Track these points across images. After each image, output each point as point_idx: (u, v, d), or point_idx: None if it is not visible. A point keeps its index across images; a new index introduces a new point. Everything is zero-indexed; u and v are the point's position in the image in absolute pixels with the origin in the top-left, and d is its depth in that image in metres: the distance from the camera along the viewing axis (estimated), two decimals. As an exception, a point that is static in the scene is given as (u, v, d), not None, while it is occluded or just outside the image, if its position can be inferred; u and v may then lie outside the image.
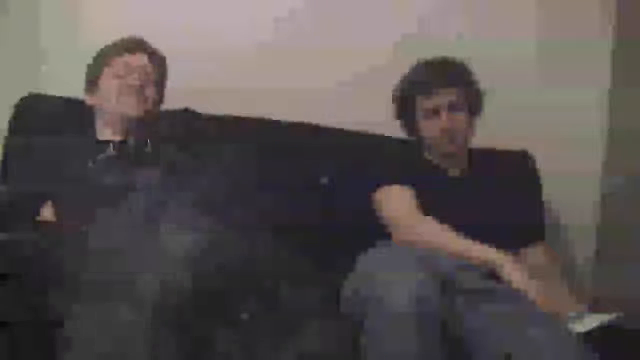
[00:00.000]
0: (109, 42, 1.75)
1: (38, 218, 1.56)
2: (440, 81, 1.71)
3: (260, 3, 2.13)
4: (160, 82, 1.76)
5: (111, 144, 1.68)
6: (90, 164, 1.64)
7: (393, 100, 1.80)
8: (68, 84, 1.79)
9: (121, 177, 1.61)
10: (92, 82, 1.73)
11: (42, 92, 1.89)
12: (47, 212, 1.56)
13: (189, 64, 1.90)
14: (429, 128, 1.72)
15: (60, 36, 2.10)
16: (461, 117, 1.71)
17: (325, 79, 2.07)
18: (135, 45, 1.74)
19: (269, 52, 2.09)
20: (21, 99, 1.82)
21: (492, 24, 2.12)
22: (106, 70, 1.71)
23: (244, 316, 1.38)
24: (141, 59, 1.72)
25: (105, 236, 1.34)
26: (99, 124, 1.73)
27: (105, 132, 1.71)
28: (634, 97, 2.07)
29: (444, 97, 1.70)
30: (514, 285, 1.45)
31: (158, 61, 1.76)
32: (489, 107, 1.80)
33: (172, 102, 1.81)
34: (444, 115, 1.69)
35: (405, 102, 1.76)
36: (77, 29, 2.09)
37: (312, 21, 2.12)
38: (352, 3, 2.14)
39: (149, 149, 1.69)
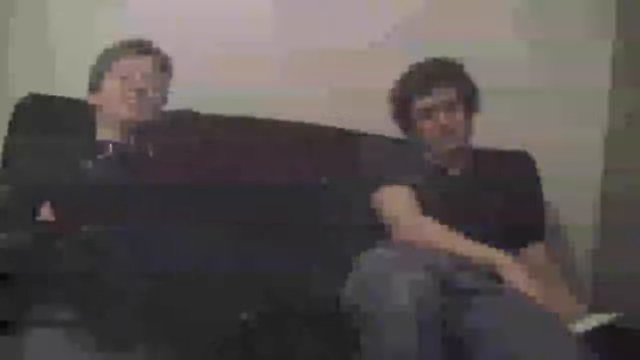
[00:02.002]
0: (116, 42, 1.75)
1: (38, 218, 1.56)
2: (434, 81, 1.71)
3: (259, 3, 2.14)
4: (164, 84, 1.76)
5: (111, 145, 1.68)
6: (89, 165, 1.64)
7: (390, 101, 1.80)
8: (75, 84, 1.79)
9: (120, 178, 1.61)
10: (96, 82, 1.73)
11: (48, 92, 1.89)
12: (47, 212, 1.56)
13: (191, 64, 1.90)
14: (425, 128, 1.73)
15: (68, 36, 2.10)
16: (458, 116, 1.71)
17: (324, 78, 2.07)
18: (141, 47, 1.73)
19: (270, 52, 2.10)
20: (21, 99, 1.82)
21: (492, 24, 2.12)
22: (111, 71, 1.71)
23: (244, 316, 1.38)
24: (146, 62, 1.71)
25: None
26: (99, 124, 1.73)
27: (106, 133, 1.71)
28: (634, 97, 2.07)
29: (439, 97, 1.70)
30: (514, 285, 1.44)
31: (163, 63, 1.75)
32: (489, 107, 1.80)
33: (173, 102, 1.81)
34: (440, 114, 1.70)
35: (401, 102, 1.77)
36: (85, 29, 2.10)
37: (309, 21, 2.12)
38: (346, 3, 2.14)
39: (149, 150, 1.69)
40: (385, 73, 1.82)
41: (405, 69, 1.79)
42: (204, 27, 2.08)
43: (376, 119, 1.87)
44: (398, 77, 1.79)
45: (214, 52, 2.05)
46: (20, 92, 1.85)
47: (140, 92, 1.67)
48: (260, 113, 1.97)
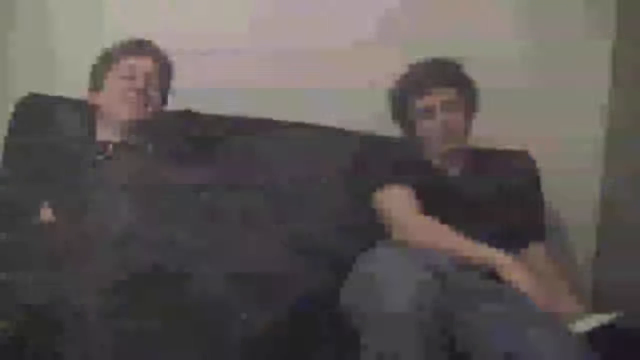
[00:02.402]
0: (116, 43, 1.75)
1: (38, 218, 1.56)
2: (433, 81, 1.71)
3: (258, 4, 2.14)
4: (164, 85, 1.76)
5: (111, 145, 1.68)
6: (89, 165, 1.64)
7: (389, 100, 1.80)
8: (75, 84, 1.79)
9: (120, 178, 1.61)
10: (96, 82, 1.73)
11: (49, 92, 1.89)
12: (46, 213, 1.56)
13: (191, 64, 1.91)
14: (425, 128, 1.73)
15: (68, 36, 2.10)
16: (457, 116, 1.71)
17: (323, 78, 2.07)
18: (141, 48, 1.74)
19: (269, 53, 2.10)
20: (21, 99, 1.82)
21: (492, 24, 2.12)
22: (112, 71, 1.71)
23: (244, 316, 1.38)
24: (147, 62, 1.71)
25: None
26: (99, 124, 1.73)
27: (106, 133, 1.71)
28: (634, 97, 2.07)
29: (437, 97, 1.70)
30: (514, 285, 1.44)
31: (163, 64, 1.76)
32: (489, 107, 1.80)
33: (173, 102, 1.81)
34: (439, 114, 1.70)
35: (401, 102, 1.77)
36: (85, 29, 2.10)
37: (308, 20, 2.12)
38: (346, 2, 2.14)
39: (150, 150, 1.69)
40: (385, 73, 1.82)
41: (405, 69, 1.79)
42: (196, 27, 2.07)
43: (376, 119, 1.88)
44: (398, 77, 1.79)
45: (204, 51, 2.04)
46: (20, 92, 1.85)
47: (142, 91, 1.67)
48: (255, 113, 1.97)
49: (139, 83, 1.68)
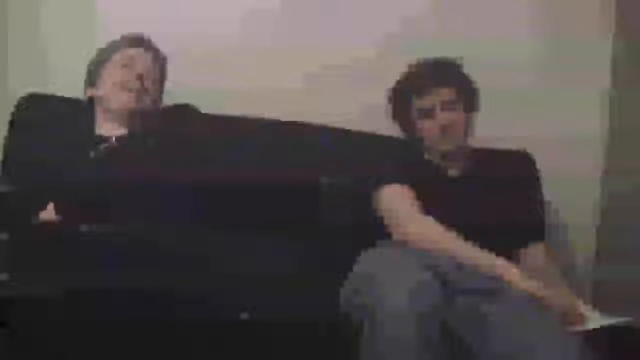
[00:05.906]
0: (116, 38, 1.76)
1: (38, 217, 1.56)
2: (433, 81, 1.71)
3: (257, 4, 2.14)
4: (160, 80, 1.77)
5: (113, 137, 1.67)
6: (92, 154, 1.63)
7: (389, 101, 1.80)
8: (68, 83, 1.79)
9: (122, 171, 1.60)
10: (94, 74, 1.74)
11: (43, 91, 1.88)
12: (47, 212, 1.56)
13: (189, 64, 1.91)
14: (425, 128, 1.73)
15: (62, 34, 2.10)
16: (457, 116, 1.71)
17: (323, 77, 2.07)
18: (138, 41, 1.75)
19: (270, 53, 2.10)
20: (21, 99, 1.82)
21: (494, 24, 2.12)
22: (111, 61, 1.72)
23: (244, 316, 1.38)
24: (146, 55, 1.74)
25: None
26: (99, 119, 1.73)
27: (106, 127, 1.71)
28: (634, 97, 2.07)
29: (437, 97, 1.70)
30: (514, 287, 1.44)
31: (159, 59, 1.77)
32: (489, 107, 1.80)
33: (171, 101, 1.82)
34: (439, 114, 1.70)
35: (401, 102, 1.77)
36: (81, 28, 2.10)
37: (308, 21, 2.12)
38: (347, 3, 2.14)
39: (152, 142, 1.68)
40: (385, 73, 1.81)
41: (405, 69, 1.79)
42: (199, 27, 2.07)
43: (376, 119, 1.88)
44: (398, 77, 1.79)
45: (209, 51, 2.05)
46: (20, 92, 1.85)
47: (140, 79, 1.68)
48: (259, 113, 1.97)
49: (139, 69, 1.69)
